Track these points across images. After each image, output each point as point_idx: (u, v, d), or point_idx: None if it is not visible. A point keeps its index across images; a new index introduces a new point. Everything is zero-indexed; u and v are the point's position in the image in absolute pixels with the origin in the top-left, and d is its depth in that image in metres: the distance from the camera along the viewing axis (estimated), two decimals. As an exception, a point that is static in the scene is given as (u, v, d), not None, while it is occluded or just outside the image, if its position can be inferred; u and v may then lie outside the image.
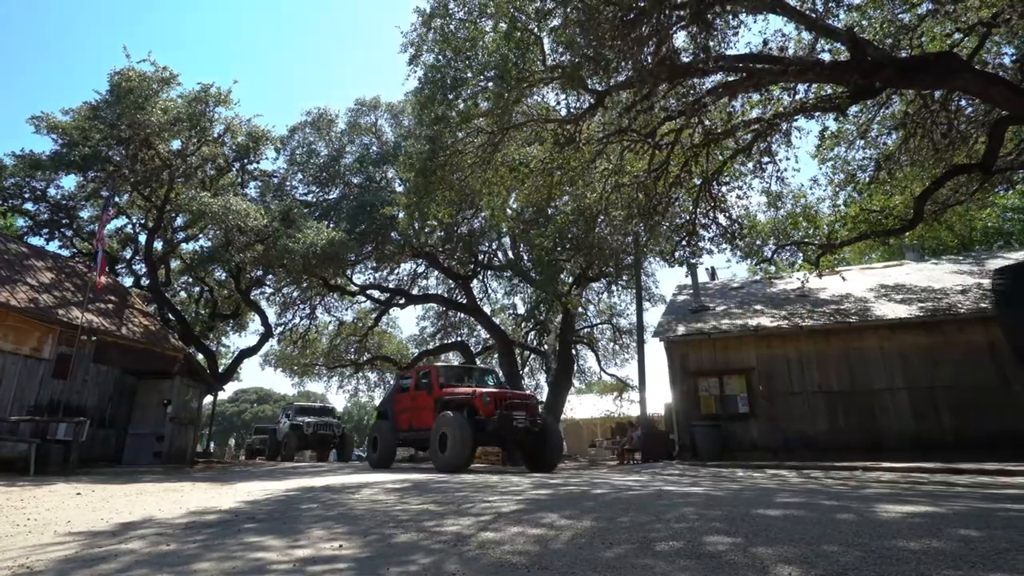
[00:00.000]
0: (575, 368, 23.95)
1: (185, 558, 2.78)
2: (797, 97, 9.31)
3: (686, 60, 8.28)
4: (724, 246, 11.39)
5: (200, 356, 21.12)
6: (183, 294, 25.58)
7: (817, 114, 9.22)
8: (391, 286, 23.69)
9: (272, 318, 23.18)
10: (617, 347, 25.31)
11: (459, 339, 25.53)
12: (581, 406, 29.37)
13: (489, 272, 23.63)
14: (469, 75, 9.47)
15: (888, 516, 3.16)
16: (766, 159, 9.93)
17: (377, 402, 36.42)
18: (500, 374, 15.95)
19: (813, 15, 7.88)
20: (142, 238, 21.18)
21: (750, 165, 10.45)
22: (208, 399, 20.92)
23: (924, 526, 2.85)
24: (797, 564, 2.22)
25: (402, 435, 11.92)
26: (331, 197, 20.98)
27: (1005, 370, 11.59)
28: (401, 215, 14.75)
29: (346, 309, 25.19)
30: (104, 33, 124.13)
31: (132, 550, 3.02)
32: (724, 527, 2.97)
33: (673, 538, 2.78)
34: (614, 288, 23.19)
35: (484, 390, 10.36)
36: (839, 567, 2.16)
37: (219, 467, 14.24)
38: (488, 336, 24.00)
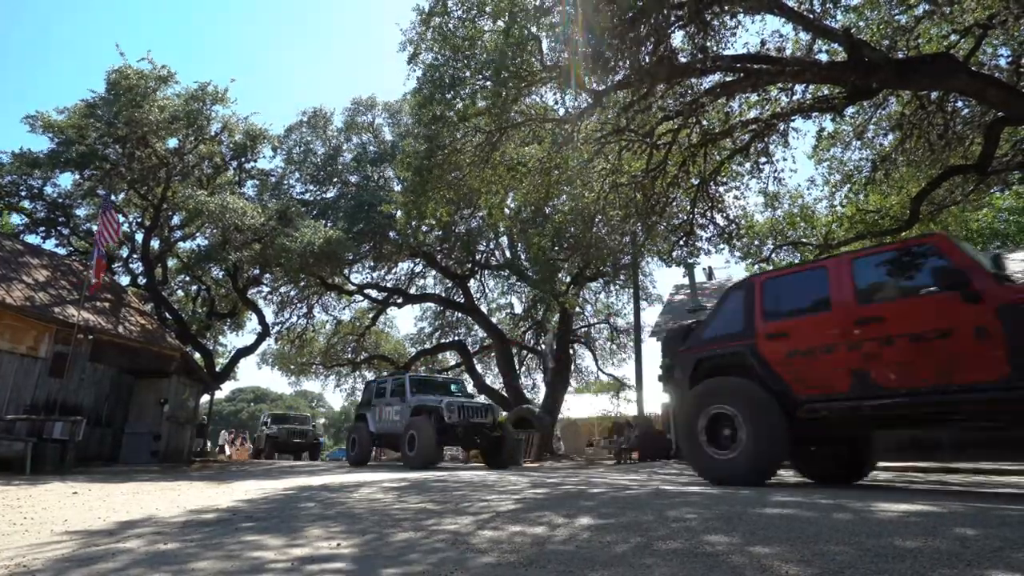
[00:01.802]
0: (572, 367, 23.99)
1: (183, 557, 2.78)
2: (794, 98, 9.35)
3: (684, 60, 8.30)
4: (722, 246, 11.44)
5: (197, 355, 21.08)
6: (180, 293, 25.55)
7: (814, 115, 9.26)
8: (389, 285, 23.68)
9: (269, 317, 23.19)
10: (614, 347, 25.35)
11: (456, 338, 25.54)
12: (578, 405, 29.42)
13: (486, 271, 23.64)
14: (468, 74, 9.48)
15: (885, 515, 3.18)
16: (763, 159, 9.98)
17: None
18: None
19: (810, 16, 7.91)
20: (139, 237, 21.14)
21: (748, 165, 10.49)
22: (205, 398, 20.90)
23: (921, 524, 2.86)
24: (795, 563, 2.23)
25: (835, 407, 4.96)
26: (328, 196, 20.98)
27: (1001, 370, 11.62)
28: (399, 214, 14.76)
29: (343, 308, 25.22)
30: (101, 32, 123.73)
31: (130, 549, 3.01)
32: (722, 526, 2.98)
33: (671, 537, 2.79)
34: (611, 288, 23.25)
35: None
36: (836, 565, 2.17)
37: (216, 466, 14.22)
38: (485, 335, 24.00)
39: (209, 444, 28.98)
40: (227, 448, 26.67)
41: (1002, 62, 9.33)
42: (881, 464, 9.89)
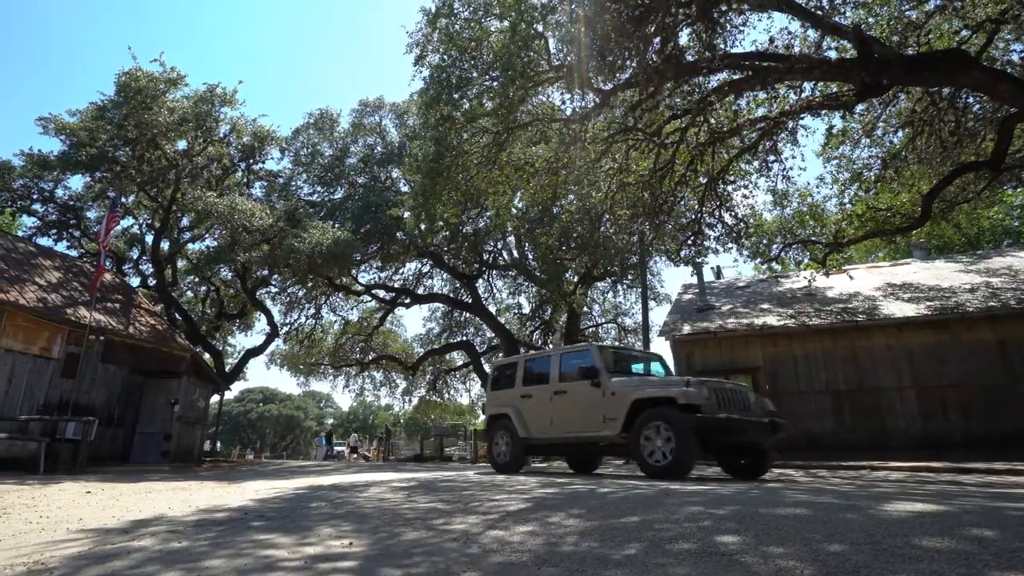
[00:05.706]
0: (580, 367, 23.90)
1: (196, 555, 2.80)
2: (803, 95, 9.26)
3: (691, 58, 8.26)
4: (730, 245, 11.37)
5: (206, 355, 21.23)
6: (189, 294, 25.73)
7: (823, 112, 9.18)
8: (396, 285, 23.75)
9: (278, 317, 23.32)
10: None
11: (464, 338, 25.58)
12: (586, 405, 29.32)
13: (494, 272, 23.66)
14: (475, 75, 9.48)
15: (898, 515, 3.15)
16: (772, 157, 9.89)
17: (385, 401, 34.32)
18: None
19: (819, 12, 7.85)
20: (149, 238, 21.32)
21: (756, 164, 10.41)
22: (214, 398, 21.04)
23: (936, 525, 2.83)
24: (809, 562, 2.22)
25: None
26: (336, 197, 21.08)
27: (1014, 369, 11.52)
28: (407, 215, 14.79)
29: (351, 309, 25.32)
30: (109, 34, 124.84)
31: (144, 547, 3.04)
32: (734, 526, 2.96)
33: (683, 536, 2.77)
34: (619, 287, 23.22)
35: None
36: (851, 565, 2.15)
37: (226, 466, 14.32)
38: (493, 335, 24.02)
39: (220, 445, 29.11)
40: (361, 450, 29.08)
41: (1015, 57, 9.22)
42: (892, 464, 9.83)
